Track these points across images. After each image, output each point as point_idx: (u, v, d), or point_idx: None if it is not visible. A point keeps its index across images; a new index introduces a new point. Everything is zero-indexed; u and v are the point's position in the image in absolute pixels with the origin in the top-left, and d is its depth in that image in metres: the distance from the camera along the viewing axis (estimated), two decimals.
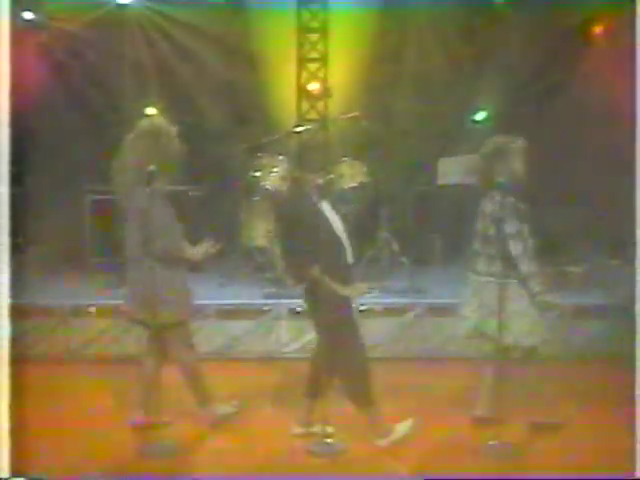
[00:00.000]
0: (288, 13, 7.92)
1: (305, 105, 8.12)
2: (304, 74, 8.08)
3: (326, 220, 4.01)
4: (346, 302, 4.06)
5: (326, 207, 4.07)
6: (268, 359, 5.65)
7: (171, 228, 4.03)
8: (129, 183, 3.99)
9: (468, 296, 4.35)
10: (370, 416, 4.07)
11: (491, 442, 4.04)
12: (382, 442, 4.07)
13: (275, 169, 6.48)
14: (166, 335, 4.14)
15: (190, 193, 7.31)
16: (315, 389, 4.21)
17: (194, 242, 4.27)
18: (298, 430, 4.25)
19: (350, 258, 4.07)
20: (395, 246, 6.79)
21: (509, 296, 4.10)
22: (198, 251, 4.15)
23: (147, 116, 4.10)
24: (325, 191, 4.09)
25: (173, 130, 4.08)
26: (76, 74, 7.97)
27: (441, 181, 6.94)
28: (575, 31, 7.89)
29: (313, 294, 4.04)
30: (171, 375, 4.31)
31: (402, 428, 4.13)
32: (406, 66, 8.05)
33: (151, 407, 4.19)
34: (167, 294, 4.00)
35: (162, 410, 4.16)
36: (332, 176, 4.20)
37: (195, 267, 6.64)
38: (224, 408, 4.42)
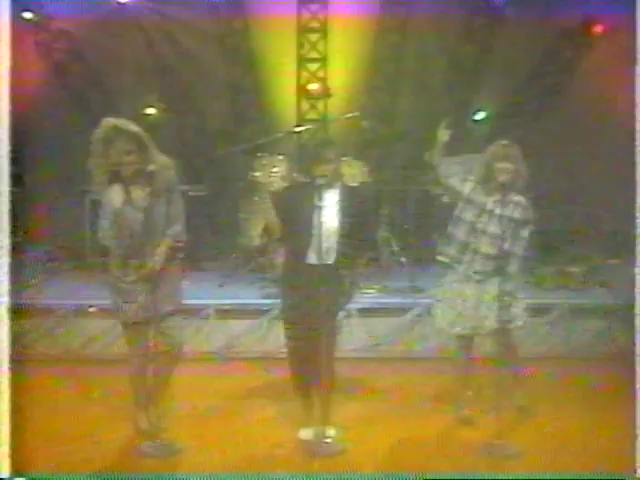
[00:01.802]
0: (288, 13, 7.92)
1: (305, 105, 8.12)
2: (304, 74, 8.08)
3: (310, 218, 4.00)
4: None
5: (323, 206, 4.02)
6: (268, 359, 5.65)
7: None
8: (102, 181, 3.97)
9: (446, 289, 4.40)
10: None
11: (490, 442, 4.04)
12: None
13: (275, 169, 6.51)
14: (150, 331, 4.10)
15: (190, 193, 7.31)
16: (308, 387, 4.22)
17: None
18: (306, 435, 4.24)
19: (317, 259, 4.01)
20: (395, 246, 6.79)
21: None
22: None
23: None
24: (325, 191, 4.07)
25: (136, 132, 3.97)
26: (76, 74, 7.97)
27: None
28: (575, 31, 7.89)
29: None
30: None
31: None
32: (406, 66, 8.05)
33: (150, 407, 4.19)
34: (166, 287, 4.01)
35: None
36: (337, 176, 4.17)
37: (196, 266, 6.69)
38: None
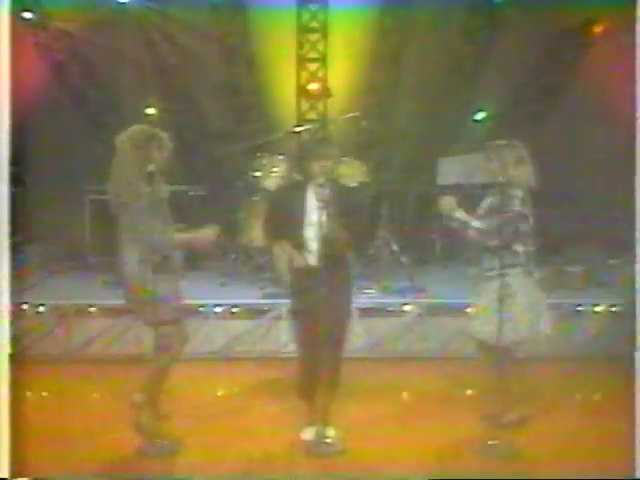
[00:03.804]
0: (288, 13, 7.91)
1: (305, 105, 8.11)
2: (304, 74, 8.07)
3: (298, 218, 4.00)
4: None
5: (319, 206, 4.01)
6: (268, 359, 5.65)
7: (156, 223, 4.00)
8: (125, 185, 4.00)
9: (477, 294, 4.37)
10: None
11: (491, 442, 4.04)
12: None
13: (275, 169, 6.51)
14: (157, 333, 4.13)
15: (190, 193, 7.31)
16: (312, 388, 4.21)
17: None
18: (307, 435, 4.23)
19: (313, 262, 4.02)
20: (395, 246, 6.79)
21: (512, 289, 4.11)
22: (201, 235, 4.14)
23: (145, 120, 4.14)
24: (322, 190, 4.06)
25: (164, 138, 4.09)
26: (76, 74, 7.96)
27: (441, 181, 6.94)
28: (575, 31, 7.89)
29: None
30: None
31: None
32: (406, 66, 8.04)
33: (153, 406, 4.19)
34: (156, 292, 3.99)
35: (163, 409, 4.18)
36: (333, 176, 4.18)
37: (196, 266, 6.70)
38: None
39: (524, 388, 4.45)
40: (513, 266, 4.14)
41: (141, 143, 4.00)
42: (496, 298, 4.06)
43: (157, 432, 4.08)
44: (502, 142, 4.33)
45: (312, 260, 4.02)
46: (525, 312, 4.13)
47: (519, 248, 4.19)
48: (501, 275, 4.09)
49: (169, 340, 4.10)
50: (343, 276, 4.10)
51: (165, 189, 4.08)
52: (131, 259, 3.98)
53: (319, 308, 3.95)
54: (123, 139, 4.03)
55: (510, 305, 4.06)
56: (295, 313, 4.27)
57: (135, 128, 4.08)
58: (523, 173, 4.24)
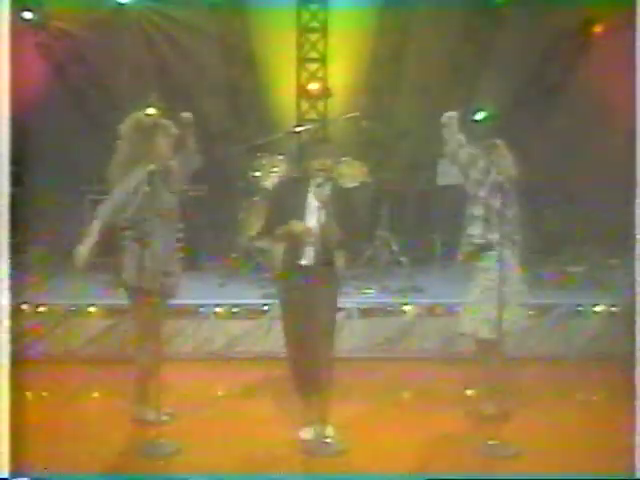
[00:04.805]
0: (288, 13, 7.91)
1: (305, 105, 8.11)
2: (304, 74, 8.07)
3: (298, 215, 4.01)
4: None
5: (317, 205, 4.02)
6: (268, 359, 5.65)
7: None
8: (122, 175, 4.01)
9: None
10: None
11: (491, 442, 4.04)
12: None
13: (275, 169, 6.52)
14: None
15: (190, 193, 7.30)
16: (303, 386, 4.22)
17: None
18: (306, 435, 4.22)
19: (309, 260, 4.03)
20: (395, 246, 6.79)
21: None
22: None
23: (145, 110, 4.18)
24: (319, 189, 4.06)
25: (169, 126, 4.10)
26: (76, 74, 7.96)
27: (441, 181, 6.94)
28: (575, 31, 7.89)
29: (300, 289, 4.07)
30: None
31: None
32: (406, 66, 8.04)
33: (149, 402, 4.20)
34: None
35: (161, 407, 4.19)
36: (332, 176, 4.19)
37: (196, 266, 6.70)
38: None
39: (522, 387, 4.47)
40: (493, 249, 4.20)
41: (146, 130, 3.99)
42: (480, 291, 4.13)
43: (155, 432, 4.09)
44: (486, 142, 4.41)
45: (309, 259, 4.02)
46: (506, 304, 4.16)
47: (500, 233, 4.21)
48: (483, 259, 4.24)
49: (149, 339, 4.12)
50: (331, 275, 4.08)
51: (172, 201, 4.08)
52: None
53: (305, 306, 3.98)
54: (128, 125, 4.01)
55: (492, 298, 4.11)
56: (282, 311, 4.28)
57: (140, 115, 4.06)
58: (505, 169, 4.29)
